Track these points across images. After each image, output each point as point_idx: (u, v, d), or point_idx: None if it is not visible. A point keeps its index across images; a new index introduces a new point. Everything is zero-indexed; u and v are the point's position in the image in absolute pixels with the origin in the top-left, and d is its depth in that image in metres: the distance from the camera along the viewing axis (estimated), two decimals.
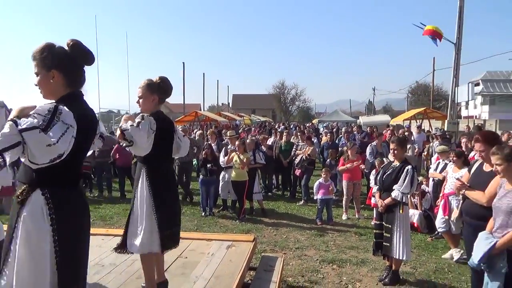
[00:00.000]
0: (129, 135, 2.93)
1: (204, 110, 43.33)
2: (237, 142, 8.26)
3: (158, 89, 3.31)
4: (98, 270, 3.78)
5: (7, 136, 1.88)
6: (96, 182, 10.62)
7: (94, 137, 2.42)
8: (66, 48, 2.21)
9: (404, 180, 4.63)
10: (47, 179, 2.08)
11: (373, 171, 8.12)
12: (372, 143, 9.71)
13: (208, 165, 8.26)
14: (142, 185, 3.19)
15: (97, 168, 10.49)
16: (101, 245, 4.48)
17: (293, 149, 10.40)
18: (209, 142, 9.47)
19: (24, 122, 1.92)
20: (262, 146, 10.48)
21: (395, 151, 4.77)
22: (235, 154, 8.05)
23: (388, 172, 4.81)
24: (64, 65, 2.19)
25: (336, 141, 13.19)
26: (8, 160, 1.87)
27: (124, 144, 2.98)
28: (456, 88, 15.62)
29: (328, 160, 9.72)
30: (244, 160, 7.94)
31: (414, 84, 55.94)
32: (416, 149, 10.07)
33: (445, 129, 14.82)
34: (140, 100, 3.28)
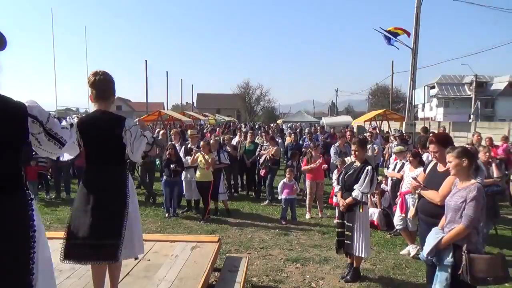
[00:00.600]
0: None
1: (167, 109, 42.54)
2: (202, 142, 8.22)
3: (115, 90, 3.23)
4: (56, 275, 3.64)
5: None
6: (54, 183, 10.21)
7: (21, 134, 2.06)
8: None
9: (364, 180, 4.77)
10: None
11: (335, 171, 8.34)
12: (335, 144, 9.94)
13: (171, 166, 8.16)
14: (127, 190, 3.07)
15: (54, 169, 10.09)
16: (59, 249, 4.29)
17: (258, 149, 10.47)
18: (173, 142, 9.35)
19: None
20: (227, 147, 10.49)
21: (356, 152, 4.91)
22: (200, 154, 8.00)
23: (350, 172, 4.94)
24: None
25: (300, 142, 13.39)
26: None
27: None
28: (413, 90, 16.30)
29: (290, 162, 9.88)
30: (209, 161, 7.91)
31: (375, 86, 57.99)
32: (376, 150, 10.40)
33: (403, 130, 15.42)
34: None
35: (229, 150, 10.24)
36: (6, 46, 2.03)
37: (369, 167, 4.82)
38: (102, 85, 3.03)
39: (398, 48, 16.10)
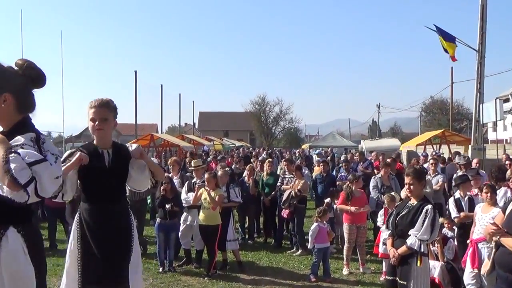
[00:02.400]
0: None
1: (162, 132, 43.15)
2: (206, 175, 8.22)
3: (116, 112, 3.83)
4: None
5: (19, 171, 2.24)
6: None
7: None
8: (16, 68, 2.59)
9: (423, 223, 4.67)
10: (21, 215, 2.59)
11: (381, 211, 8.21)
12: (377, 175, 9.83)
13: (167, 205, 8.16)
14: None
15: None
16: None
17: (278, 183, 10.46)
18: (169, 175, 9.41)
19: (26, 155, 2.31)
20: (247, 178, 10.75)
21: (411, 186, 4.83)
22: (205, 190, 8.00)
23: (403, 213, 4.85)
24: (17, 88, 2.55)
25: (333, 173, 13.30)
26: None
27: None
28: (480, 105, 16.14)
29: (327, 200, 9.79)
30: (217, 198, 7.89)
31: (428, 100, 57.44)
32: (440, 183, 10.19)
33: (469, 156, 15.19)
34: (103, 124, 3.73)
35: (249, 184, 10.49)
36: (45, 84, 2.72)
37: (429, 207, 4.73)
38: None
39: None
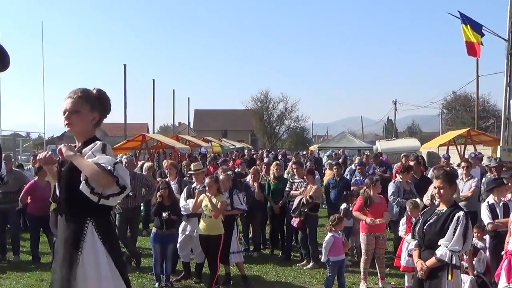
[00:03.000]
0: (121, 178, 3.29)
1: (154, 132, 43.20)
2: (207, 180, 8.20)
3: (99, 104, 3.53)
4: None
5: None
6: None
7: None
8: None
9: (454, 232, 4.64)
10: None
11: (403, 219, 8.18)
12: (396, 180, 9.75)
13: (164, 214, 8.14)
14: (91, 247, 3.35)
15: None
16: None
17: (287, 188, 10.46)
18: (166, 179, 9.38)
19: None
20: (252, 183, 10.73)
21: (442, 190, 4.80)
22: (205, 196, 7.99)
23: (431, 221, 4.82)
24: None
25: (348, 176, 13.27)
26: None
27: (114, 194, 3.32)
28: (510, 100, 16.11)
29: (344, 206, 9.76)
30: (219, 205, 7.87)
31: (451, 95, 57.21)
32: (473, 188, 10.02)
33: (499, 157, 15.14)
34: (73, 117, 3.43)
35: (254, 189, 10.49)
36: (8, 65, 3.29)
37: (461, 213, 4.69)
38: None
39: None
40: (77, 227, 3.36)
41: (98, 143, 3.42)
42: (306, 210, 9.61)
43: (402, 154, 14.52)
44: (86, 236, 3.33)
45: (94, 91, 3.53)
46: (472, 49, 16.56)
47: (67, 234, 3.39)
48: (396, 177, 10.43)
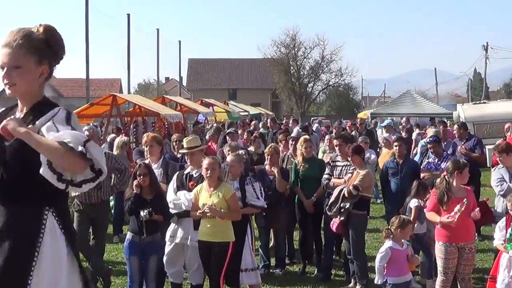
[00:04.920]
0: (96, 161, 3.38)
1: (129, 91, 43.31)
2: (206, 161, 8.14)
3: (48, 49, 3.56)
4: None
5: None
6: None
7: None
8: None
9: None
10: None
11: (500, 222, 8.04)
12: (499, 166, 9.61)
13: (142, 212, 8.14)
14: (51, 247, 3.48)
15: None
16: None
17: (325, 175, 10.46)
18: (146, 161, 9.42)
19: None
20: (269, 167, 10.56)
21: None
22: (204, 188, 8.00)
23: None
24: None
25: (416, 157, 13.15)
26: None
27: (88, 181, 3.41)
28: None
29: (414, 203, 9.60)
30: (231, 202, 7.89)
31: None
32: None
33: None
34: (14, 74, 3.47)
35: (275, 175, 10.36)
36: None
37: None
38: None
39: None
40: (30, 219, 3.43)
41: (59, 110, 3.48)
42: (348, 206, 9.56)
43: (508, 125, 14.31)
44: (45, 232, 3.44)
45: (40, 31, 3.54)
46: None
47: (15, 228, 3.43)
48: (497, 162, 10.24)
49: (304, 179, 10.68)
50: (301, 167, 10.75)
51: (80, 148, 3.23)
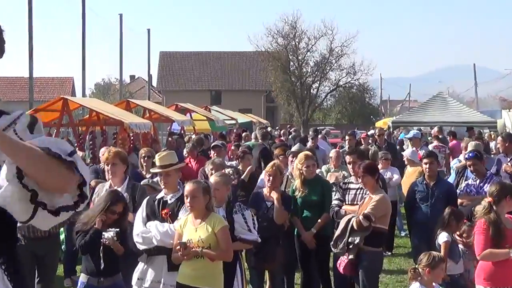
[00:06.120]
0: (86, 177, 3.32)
1: (84, 93, 43.40)
2: (186, 187, 8.13)
3: None
4: None
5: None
6: None
7: None
8: None
9: None
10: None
11: None
12: None
13: (107, 233, 8.13)
14: None
15: None
16: None
17: (335, 200, 10.51)
18: (105, 184, 9.59)
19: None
20: (268, 191, 10.52)
21: None
22: (190, 220, 8.05)
23: None
24: None
25: (450, 178, 13.15)
26: None
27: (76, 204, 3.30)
28: None
29: (444, 237, 9.61)
30: (221, 238, 7.88)
31: None
32: None
33: None
34: None
35: (270, 203, 10.34)
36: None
37: None
38: None
39: None
40: None
41: (19, 115, 3.38)
42: (358, 241, 9.57)
43: None
44: None
45: None
46: None
47: None
48: None
49: (304, 206, 10.72)
50: (299, 191, 10.76)
51: (69, 158, 3.12)
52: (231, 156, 17.95)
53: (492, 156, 15.31)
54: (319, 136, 25.70)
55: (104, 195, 8.84)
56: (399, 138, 27.12)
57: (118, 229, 8.13)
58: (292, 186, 10.96)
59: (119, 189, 9.39)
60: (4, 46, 3.59)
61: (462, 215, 9.88)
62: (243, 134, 27.21)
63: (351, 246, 9.45)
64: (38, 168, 3.02)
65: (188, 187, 8.09)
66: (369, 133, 32.27)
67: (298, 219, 10.68)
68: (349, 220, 9.60)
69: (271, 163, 11.47)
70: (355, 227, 9.47)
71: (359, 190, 10.25)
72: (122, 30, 49.06)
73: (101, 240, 8.10)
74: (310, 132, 25.00)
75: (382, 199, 9.81)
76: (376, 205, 9.56)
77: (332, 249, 9.84)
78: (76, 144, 19.30)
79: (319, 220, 10.53)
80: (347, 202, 10.31)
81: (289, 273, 11.22)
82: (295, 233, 10.81)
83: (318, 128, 37.87)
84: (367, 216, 9.41)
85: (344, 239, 9.52)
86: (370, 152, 15.04)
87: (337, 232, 9.72)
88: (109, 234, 8.06)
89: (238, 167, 13.68)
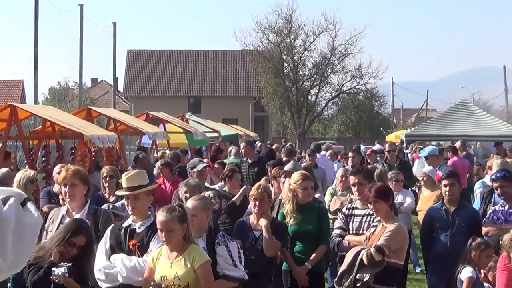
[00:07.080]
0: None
1: (36, 99, 43.40)
2: (159, 218, 8.16)
3: None
4: None
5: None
6: None
7: None
8: None
9: None
10: None
11: None
12: None
13: (58, 269, 8.12)
14: None
15: None
16: None
17: (337, 229, 10.61)
18: (61, 209, 9.52)
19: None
20: (255, 217, 10.59)
21: None
22: (164, 253, 8.08)
23: None
24: None
25: (475, 203, 13.25)
26: None
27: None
28: None
29: (467, 271, 9.67)
30: (201, 275, 7.94)
31: None
32: None
33: None
34: None
35: (260, 229, 10.37)
36: None
37: None
38: None
39: None
40: None
41: None
42: (368, 278, 9.61)
43: None
44: None
45: None
46: None
47: None
48: None
49: (296, 236, 10.79)
50: (291, 219, 10.80)
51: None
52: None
53: None
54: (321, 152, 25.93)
55: (68, 223, 8.85)
56: (419, 155, 26.95)
57: (70, 264, 8.11)
58: (282, 211, 10.98)
59: (77, 215, 9.40)
60: None
61: (490, 248, 9.89)
62: (229, 150, 27.07)
63: (359, 284, 9.45)
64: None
65: (161, 217, 8.04)
66: (374, 148, 32.40)
67: (287, 252, 10.70)
68: (358, 253, 9.60)
69: (257, 184, 11.37)
70: (365, 261, 9.46)
71: (365, 217, 10.28)
72: (83, 24, 48.92)
73: (51, 277, 8.12)
74: (311, 147, 25.15)
75: (399, 228, 9.82)
76: (391, 236, 9.56)
77: (336, 287, 9.82)
78: (26, 161, 19.26)
79: (314, 254, 10.57)
80: (351, 231, 10.32)
81: None
82: (283, 269, 10.89)
83: (318, 142, 38.01)
84: (380, 249, 9.42)
85: (351, 276, 9.50)
86: (376, 172, 14.92)
87: (343, 267, 9.70)
88: (59, 270, 8.04)
89: (224, 189, 13.69)
